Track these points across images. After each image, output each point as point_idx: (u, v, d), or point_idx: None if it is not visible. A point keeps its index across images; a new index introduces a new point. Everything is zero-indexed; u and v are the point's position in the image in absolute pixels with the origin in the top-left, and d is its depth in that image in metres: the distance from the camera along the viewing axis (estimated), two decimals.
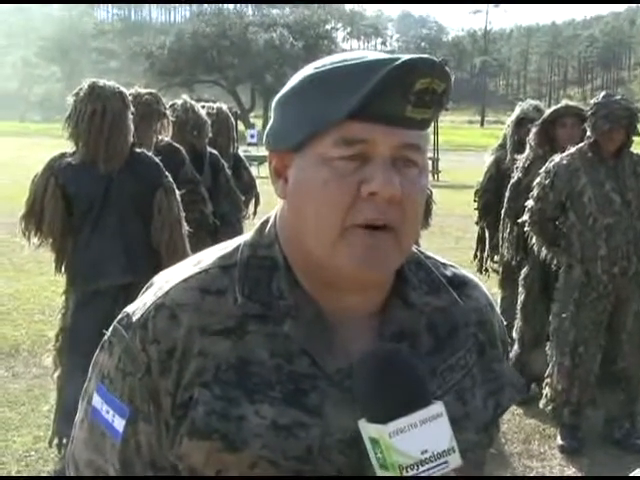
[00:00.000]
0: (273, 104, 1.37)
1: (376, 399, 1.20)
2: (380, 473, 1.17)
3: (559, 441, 5.55)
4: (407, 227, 1.28)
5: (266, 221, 1.40)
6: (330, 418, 1.27)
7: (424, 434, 1.16)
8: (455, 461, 1.18)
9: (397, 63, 1.20)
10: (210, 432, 1.26)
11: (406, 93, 1.22)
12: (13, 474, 4.85)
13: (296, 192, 1.30)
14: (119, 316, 1.38)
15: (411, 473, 1.15)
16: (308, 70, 1.30)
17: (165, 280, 1.38)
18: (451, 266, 1.50)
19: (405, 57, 1.21)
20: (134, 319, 1.34)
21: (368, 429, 1.19)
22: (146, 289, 1.42)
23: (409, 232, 1.29)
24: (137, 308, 1.36)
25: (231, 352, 1.29)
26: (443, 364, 1.37)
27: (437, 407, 1.19)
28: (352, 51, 1.35)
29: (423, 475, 1.15)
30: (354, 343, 1.31)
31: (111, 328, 1.38)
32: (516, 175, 6.23)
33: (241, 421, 1.26)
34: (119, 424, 1.32)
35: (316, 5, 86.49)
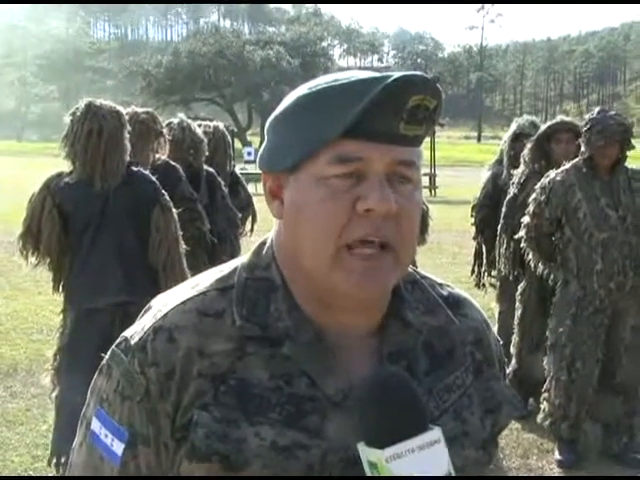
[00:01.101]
0: (267, 125, 1.37)
1: (374, 424, 1.20)
2: None
3: (557, 456, 5.54)
4: (404, 243, 1.28)
5: (263, 243, 1.40)
6: (331, 438, 1.27)
7: (421, 460, 1.17)
8: None
9: (390, 81, 1.21)
10: (210, 454, 1.26)
11: (399, 110, 1.23)
12: None
13: (292, 212, 1.30)
14: (117, 340, 1.38)
15: None
16: (301, 91, 1.31)
17: (163, 303, 1.38)
18: (447, 285, 1.51)
19: (398, 74, 1.22)
20: (132, 342, 1.34)
21: (367, 453, 1.19)
22: (144, 312, 1.42)
23: (406, 248, 1.30)
24: (135, 332, 1.36)
25: (230, 374, 1.29)
26: (440, 384, 1.38)
27: (435, 433, 1.19)
28: (344, 71, 1.36)
29: None
30: (354, 363, 1.32)
31: (109, 352, 1.38)
32: (512, 191, 6.25)
33: (241, 443, 1.26)
34: (118, 448, 1.31)
35: (312, 22, 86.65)
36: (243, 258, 1.41)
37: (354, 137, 1.24)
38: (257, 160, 1.40)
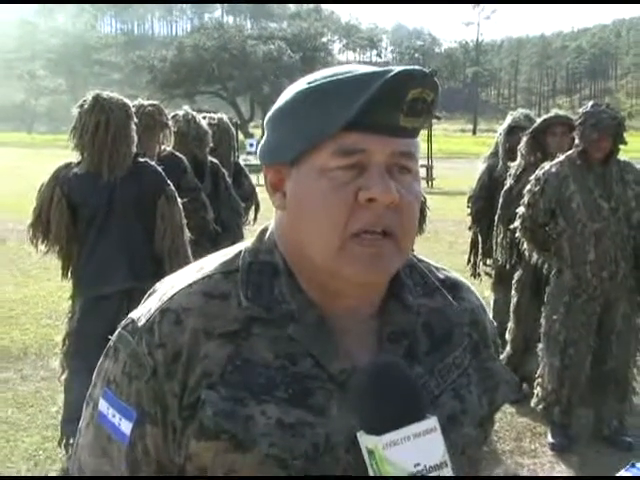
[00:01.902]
0: (266, 119, 1.37)
1: (372, 411, 1.20)
2: None
3: (550, 439, 5.55)
4: (405, 231, 1.29)
5: (265, 229, 1.40)
6: (335, 417, 1.27)
7: (417, 447, 1.16)
8: (447, 475, 1.18)
9: (391, 74, 1.22)
10: (218, 432, 1.25)
11: (399, 103, 1.23)
12: (22, 473, 4.84)
13: (296, 204, 1.30)
14: (123, 322, 1.37)
15: None
16: (300, 85, 1.31)
17: (169, 286, 1.37)
18: (443, 269, 1.51)
19: (398, 69, 1.23)
20: (139, 324, 1.33)
21: (365, 440, 1.19)
22: (149, 295, 1.41)
23: (407, 236, 1.30)
24: (142, 314, 1.35)
25: (236, 354, 1.29)
26: (440, 364, 1.37)
27: (431, 422, 1.19)
28: (342, 65, 1.36)
29: None
30: (356, 344, 1.32)
31: (115, 334, 1.37)
32: (508, 182, 6.25)
33: (248, 421, 1.25)
34: (126, 427, 1.30)
35: (313, 18, 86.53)
36: (247, 243, 1.41)
37: (356, 129, 1.24)
38: (257, 153, 1.40)
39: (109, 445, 1.33)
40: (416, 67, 1.24)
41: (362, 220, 1.25)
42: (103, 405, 1.34)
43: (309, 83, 1.29)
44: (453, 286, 1.48)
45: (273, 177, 1.34)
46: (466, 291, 1.50)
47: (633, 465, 1.90)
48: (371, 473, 1.18)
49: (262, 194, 6.63)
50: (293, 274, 1.34)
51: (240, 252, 1.39)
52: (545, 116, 6.30)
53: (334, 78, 1.26)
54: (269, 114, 1.36)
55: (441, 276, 1.48)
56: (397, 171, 1.27)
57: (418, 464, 1.16)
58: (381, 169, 1.25)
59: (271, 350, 1.29)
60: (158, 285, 1.42)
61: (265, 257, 1.36)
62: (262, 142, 1.38)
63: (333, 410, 1.27)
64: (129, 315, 1.38)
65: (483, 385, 1.43)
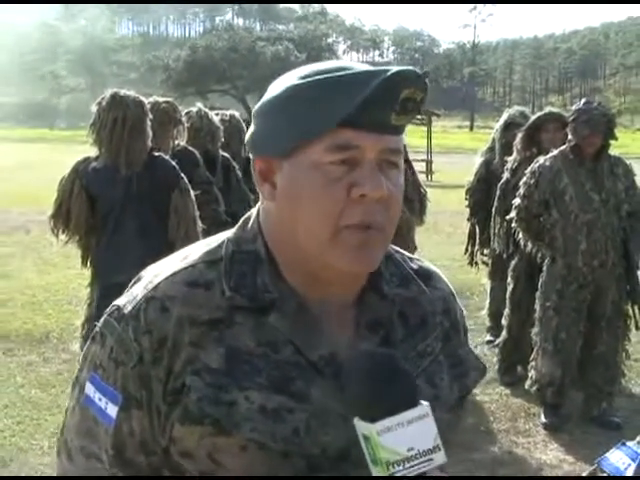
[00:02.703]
0: (255, 111, 1.34)
1: (367, 399, 1.20)
2: (371, 467, 1.17)
3: (543, 419, 5.55)
4: (391, 224, 1.29)
5: (248, 217, 1.39)
6: (315, 402, 1.27)
7: (411, 433, 1.16)
8: (440, 458, 1.18)
9: (389, 74, 1.21)
10: (202, 417, 1.25)
11: (393, 102, 1.22)
12: (45, 450, 4.86)
13: (288, 196, 1.28)
14: (109, 309, 1.36)
15: (397, 469, 1.15)
16: (291, 79, 1.29)
17: (154, 274, 1.36)
18: (417, 259, 1.51)
19: (395, 69, 1.22)
20: (125, 311, 1.32)
21: (360, 426, 1.18)
22: (134, 283, 1.40)
23: (392, 228, 1.30)
24: (127, 301, 1.33)
25: (220, 342, 1.28)
26: (413, 351, 1.38)
27: (423, 408, 1.19)
28: (330, 61, 1.34)
29: (409, 469, 1.15)
30: (334, 332, 1.32)
31: (102, 320, 1.36)
32: (505, 175, 6.25)
33: (231, 406, 1.25)
34: (112, 410, 1.30)
35: (318, 20, 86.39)
36: (229, 232, 1.39)
37: (351, 126, 1.23)
38: (246, 143, 1.37)
39: (95, 427, 1.32)
40: (410, 68, 1.24)
41: (354, 214, 1.24)
42: (90, 389, 1.33)
43: (302, 78, 1.27)
44: (426, 275, 1.48)
45: (262, 168, 1.32)
46: (438, 280, 1.50)
47: (624, 444, 1.88)
48: (367, 457, 1.18)
49: None
50: (275, 262, 1.33)
51: (223, 241, 1.37)
52: (539, 113, 6.32)
53: (331, 75, 1.24)
54: (258, 106, 1.33)
55: (415, 266, 1.47)
56: (386, 167, 1.26)
57: (412, 448, 1.16)
58: (372, 165, 1.24)
59: (253, 338, 1.28)
60: (143, 273, 1.41)
61: (248, 246, 1.34)
62: (250, 132, 1.34)
63: (313, 395, 1.27)
64: (114, 302, 1.36)
65: (454, 371, 1.44)
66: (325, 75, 1.25)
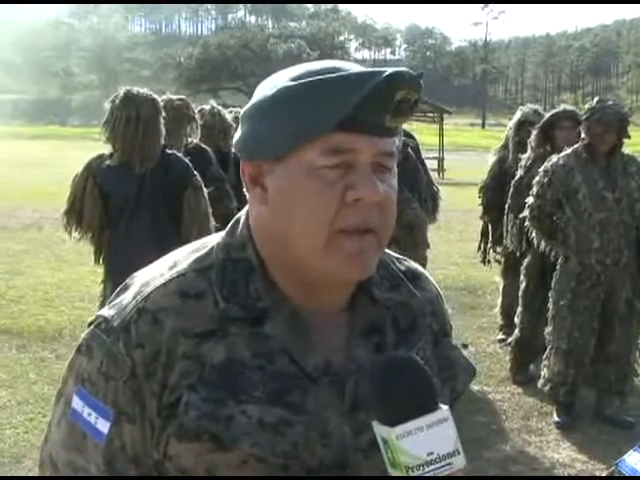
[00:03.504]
0: (244, 114, 1.29)
1: (387, 403, 1.18)
2: (390, 471, 1.16)
3: (555, 418, 5.53)
4: (386, 228, 1.26)
5: (237, 222, 1.34)
6: (312, 414, 1.24)
7: (430, 437, 1.15)
8: (460, 462, 1.17)
9: (384, 76, 1.18)
10: (200, 433, 1.21)
11: (388, 104, 1.19)
12: None
13: (280, 200, 1.24)
14: (95, 320, 1.30)
15: (417, 473, 1.14)
16: (282, 81, 1.24)
17: (143, 284, 1.30)
18: (403, 259, 1.47)
19: (390, 70, 1.19)
20: (115, 324, 1.26)
21: (380, 430, 1.17)
22: (120, 291, 1.33)
23: (387, 232, 1.27)
24: (116, 312, 1.28)
25: (214, 354, 1.23)
26: None
27: (443, 412, 1.18)
28: (322, 61, 1.30)
29: (428, 475, 1.14)
30: (328, 339, 1.29)
31: (87, 332, 1.30)
32: (519, 173, 6.23)
33: (229, 421, 1.21)
34: (103, 426, 1.24)
35: (331, 18, 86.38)
36: (217, 237, 1.34)
37: (345, 129, 1.19)
38: (234, 146, 1.32)
39: (83, 442, 1.26)
40: (405, 69, 1.21)
41: (349, 219, 1.21)
42: (77, 403, 1.27)
43: (294, 80, 1.22)
44: (414, 277, 1.44)
45: (252, 171, 1.27)
46: (425, 281, 1.46)
47: None
48: (386, 461, 1.16)
49: None
50: (267, 270, 1.29)
51: (212, 248, 1.32)
52: (554, 111, 6.28)
53: (325, 77, 1.20)
54: (247, 108, 1.28)
55: (402, 267, 1.43)
56: (379, 169, 1.23)
57: (431, 453, 1.15)
58: (367, 169, 1.21)
59: (249, 349, 1.24)
60: (129, 281, 1.35)
61: (238, 254, 1.29)
62: (239, 136, 1.29)
63: (310, 406, 1.24)
64: (99, 313, 1.31)
65: (444, 375, 1.41)
66: (318, 77, 1.21)
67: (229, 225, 1.34)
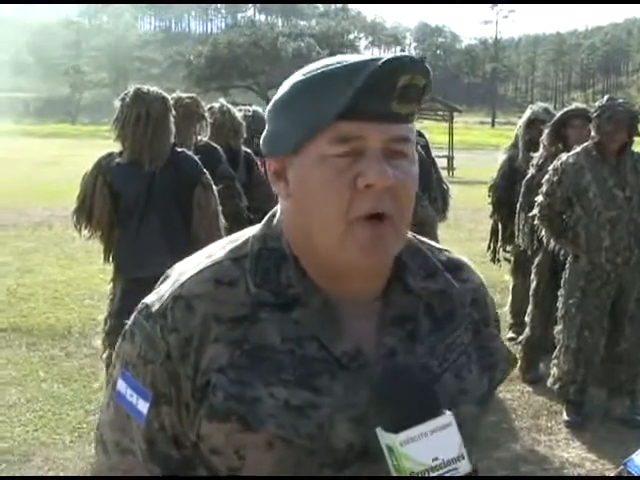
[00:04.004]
0: (267, 112, 1.35)
1: (390, 410, 1.20)
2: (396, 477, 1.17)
3: (565, 417, 5.52)
4: (402, 214, 1.27)
5: (273, 215, 1.38)
6: (339, 398, 1.26)
7: (434, 443, 1.16)
8: (465, 467, 1.17)
9: (379, 63, 1.20)
10: (228, 414, 1.25)
11: (391, 90, 1.21)
12: (67, 444, 4.87)
13: (299, 192, 1.29)
14: (139, 307, 1.38)
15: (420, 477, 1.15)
16: (296, 77, 1.30)
17: (180, 272, 1.37)
18: (445, 250, 1.49)
19: (387, 57, 1.22)
20: (153, 310, 1.33)
21: (384, 437, 1.18)
22: (162, 281, 1.40)
23: (404, 218, 1.28)
24: (155, 299, 1.34)
25: (245, 338, 1.28)
26: (441, 344, 1.36)
27: (446, 418, 1.18)
28: (335, 56, 1.33)
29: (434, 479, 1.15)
30: (359, 327, 1.31)
31: (132, 318, 1.38)
32: (530, 171, 6.22)
33: (256, 403, 1.25)
34: (143, 407, 1.31)
35: (340, 17, 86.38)
36: (254, 229, 1.39)
37: (351, 118, 1.22)
38: (261, 145, 1.38)
39: (128, 422, 1.34)
40: (404, 54, 1.23)
41: (362, 205, 1.23)
42: (121, 385, 1.35)
43: (304, 75, 1.28)
44: (455, 267, 1.46)
45: (276, 166, 1.33)
46: (467, 271, 1.48)
47: None
48: (391, 469, 1.17)
49: None
50: (299, 260, 1.32)
51: (249, 238, 1.37)
52: (565, 109, 6.27)
53: (326, 69, 1.25)
54: (270, 106, 1.34)
55: (443, 258, 1.45)
56: (393, 156, 1.25)
57: (436, 458, 1.15)
58: (377, 155, 1.23)
59: (278, 334, 1.28)
60: (169, 271, 1.41)
61: (273, 243, 1.34)
62: (264, 133, 1.35)
63: (338, 390, 1.26)
64: (143, 300, 1.38)
65: (483, 363, 1.41)
66: (322, 69, 1.25)
67: (266, 217, 1.39)
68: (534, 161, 6.22)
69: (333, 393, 1.26)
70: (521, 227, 6.35)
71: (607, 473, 4.68)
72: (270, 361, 1.27)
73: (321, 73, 1.25)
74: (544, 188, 5.46)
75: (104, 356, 4.88)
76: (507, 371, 1.47)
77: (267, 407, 1.24)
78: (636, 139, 5.40)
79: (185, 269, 1.37)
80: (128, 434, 1.34)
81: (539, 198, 5.51)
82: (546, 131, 6.08)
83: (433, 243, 1.48)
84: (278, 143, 1.31)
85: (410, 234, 1.41)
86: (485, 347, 1.43)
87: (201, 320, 1.28)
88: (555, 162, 5.48)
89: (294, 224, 1.32)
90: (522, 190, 6.26)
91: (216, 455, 1.29)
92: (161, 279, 1.41)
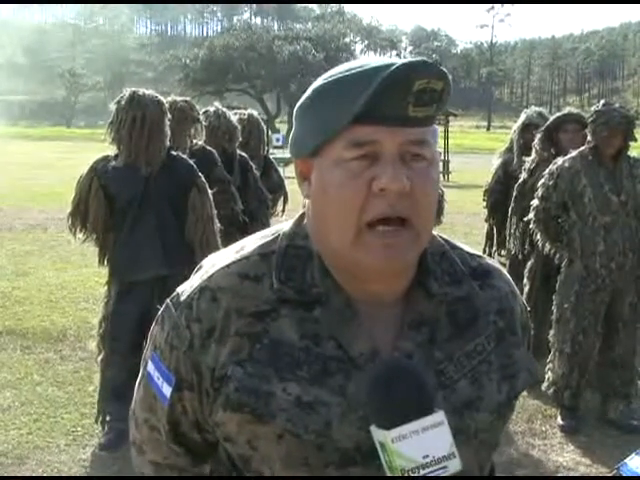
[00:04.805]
0: (293, 116, 1.38)
1: (382, 407, 1.21)
2: (389, 474, 1.19)
3: (559, 421, 5.51)
4: (421, 218, 1.28)
5: (303, 214, 1.40)
6: (352, 397, 1.27)
7: (426, 440, 1.17)
8: (455, 466, 1.19)
9: (392, 69, 1.22)
10: (241, 405, 1.28)
11: (406, 95, 1.22)
12: (62, 447, 4.85)
13: (317, 194, 1.32)
14: (172, 294, 1.42)
15: (413, 476, 1.16)
16: (318, 82, 1.32)
17: (210, 264, 1.40)
18: (478, 256, 1.48)
19: (400, 62, 1.23)
20: (182, 299, 1.37)
21: (376, 434, 1.20)
22: (196, 271, 1.44)
23: (424, 222, 1.29)
24: (185, 289, 1.39)
25: (265, 333, 1.31)
26: (460, 351, 1.36)
27: (438, 416, 1.19)
28: (358, 59, 1.35)
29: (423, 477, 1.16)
30: (378, 329, 1.32)
31: (164, 305, 1.42)
32: (522, 176, 6.22)
33: (269, 397, 1.28)
34: (167, 390, 1.38)
35: (336, 20, 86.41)
36: (285, 226, 1.41)
37: (367, 122, 1.24)
38: (288, 146, 1.41)
39: (154, 403, 1.42)
40: (419, 58, 1.24)
41: (376, 209, 1.25)
42: (151, 367, 1.42)
43: (325, 79, 1.30)
44: (484, 273, 1.45)
45: (302, 167, 1.36)
46: (497, 278, 1.47)
47: None
48: (384, 464, 1.19)
49: (290, 186, 6.60)
50: (322, 259, 1.34)
51: (278, 235, 1.39)
52: (558, 114, 6.26)
53: (346, 73, 1.27)
54: (295, 109, 1.37)
55: (474, 263, 1.45)
56: (410, 159, 1.26)
57: (427, 456, 1.17)
58: (393, 158, 1.25)
59: (297, 331, 1.31)
60: (203, 262, 1.45)
61: (301, 242, 1.37)
62: (290, 136, 1.38)
63: (350, 390, 1.28)
64: (177, 288, 1.42)
65: (504, 372, 1.40)
66: (342, 74, 1.27)
67: (297, 215, 1.42)
68: (526, 166, 6.22)
69: (346, 392, 1.28)
70: (512, 232, 6.36)
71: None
72: (287, 357, 1.29)
73: (339, 77, 1.27)
74: (540, 192, 5.46)
75: (99, 359, 4.89)
76: (527, 381, 1.45)
77: (279, 402, 1.28)
78: (632, 144, 5.40)
79: (216, 261, 1.40)
80: (155, 413, 1.43)
81: (535, 202, 5.50)
82: (538, 136, 6.08)
83: (467, 248, 1.48)
84: (301, 145, 1.34)
85: (442, 238, 1.43)
86: (508, 356, 1.42)
87: (224, 313, 1.32)
88: (551, 166, 5.48)
89: (314, 224, 1.35)
90: (514, 195, 6.26)
91: (229, 443, 1.33)
92: (196, 269, 1.45)
